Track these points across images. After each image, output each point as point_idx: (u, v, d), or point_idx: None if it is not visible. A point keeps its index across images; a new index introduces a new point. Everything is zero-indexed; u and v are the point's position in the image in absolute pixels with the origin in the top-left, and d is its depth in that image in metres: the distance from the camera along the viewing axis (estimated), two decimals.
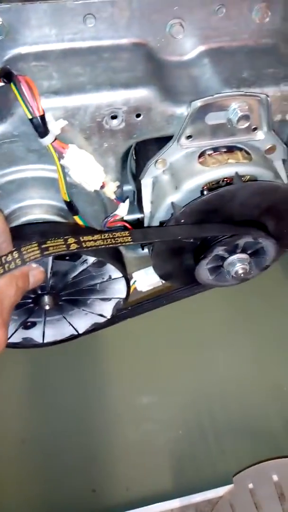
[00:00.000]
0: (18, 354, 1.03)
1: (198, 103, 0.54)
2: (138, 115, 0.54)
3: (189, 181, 0.57)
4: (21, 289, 0.47)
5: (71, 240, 0.47)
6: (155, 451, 0.96)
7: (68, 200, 0.58)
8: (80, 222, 0.62)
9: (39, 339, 0.65)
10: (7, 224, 0.49)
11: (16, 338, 0.64)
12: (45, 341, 0.66)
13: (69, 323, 0.63)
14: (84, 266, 0.56)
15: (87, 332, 0.66)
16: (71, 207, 0.59)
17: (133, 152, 0.65)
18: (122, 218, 0.63)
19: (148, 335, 1.09)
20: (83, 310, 0.62)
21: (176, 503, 0.89)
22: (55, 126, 0.51)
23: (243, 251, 0.60)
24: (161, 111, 0.54)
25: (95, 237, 0.48)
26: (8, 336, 0.61)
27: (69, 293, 0.58)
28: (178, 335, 1.11)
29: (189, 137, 0.57)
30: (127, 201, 0.61)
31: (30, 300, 0.58)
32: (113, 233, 0.50)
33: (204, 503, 0.90)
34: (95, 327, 0.66)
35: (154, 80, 0.54)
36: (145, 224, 0.63)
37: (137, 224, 0.65)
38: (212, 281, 0.62)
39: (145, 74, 0.54)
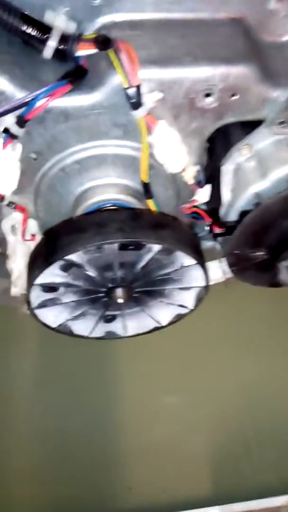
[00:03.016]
0: (39, 347, 1.02)
1: None
2: (233, 95, 0.51)
3: (279, 170, 0.54)
4: None
5: None
6: (193, 454, 0.93)
7: (147, 182, 0.55)
8: (152, 206, 0.59)
9: (121, 332, 0.62)
10: None
11: (98, 333, 0.61)
12: (128, 334, 0.63)
13: (149, 315, 0.60)
14: (150, 255, 0.52)
15: (172, 323, 0.63)
16: (148, 189, 0.56)
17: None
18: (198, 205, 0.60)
19: (183, 329, 1.05)
20: (161, 301, 0.58)
21: (215, 511, 0.86)
22: (149, 99, 0.48)
23: None
24: (258, 92, 0.51)
25: None
26: (89, 331, 0.59)
27: (142, 284, 0.55)
28: (217, 331, 1.06)
29: (281, 122, 0.53)
30: (207, 186, 0.57)
31: (102, 294, 0.55)
32: None
33: None
34: (179, 318, 0.62)
35: (253, 58, 0.50)
36: (222, 213, 0.60)
37: (212, 212, 0.61)
38: None
39: (245, 51, 0.50)
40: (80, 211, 0.58)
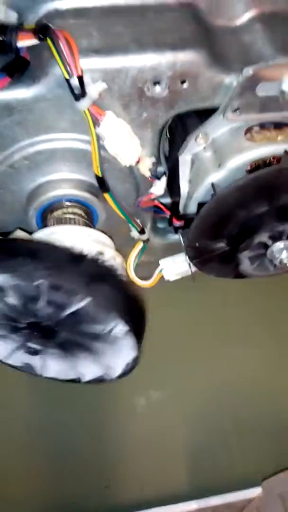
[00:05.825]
0: None
1: (250, 70, 0.48)
2: (183, 82, 0.49)
3: (235, 158, 0.52)
4: None
5: None
6: (171, 449, 0.92)
7: (100, 176, 0.53)
8: (110, 200, 0.57)
9: (39, 370, 0.57)
10: None
11: (16, 361, 0.56)
12: (45, 375, 0.57)
13: (71, 365, 0.55)
14: (79, 305, 0.46)
15: (93, 382, 0.56)
16: (103, 183, 0.55)
17: (167, 130, 0.60)
18: (156, 198, 0.58)
19: (164, 325, 1.03)
20: (88, 355, 0.53)
21: (193, 505, 0.85)
22: (93, 89, 0.46)
23: None
24: (208, 78, 0.49)
25: None
26: (6, 355, 0.52)
27: (68, 331, 0.50)
28: (197, 326, 1.05)
29: (236, 109, 0.52)
30: (164, 178, 0.56)
31: (25, 325, 0.50)
32: None
33: (222, 507, 0.85)
34: (101, 381, 0.55)
35: (202, 43, 0.49)
36: (181, 206, 0.58)
37: (172, 206, 0.60)
38: (253, 271, 0.57)
39: (193, 36, 0.49)
40: (33, 208, 0.56)
